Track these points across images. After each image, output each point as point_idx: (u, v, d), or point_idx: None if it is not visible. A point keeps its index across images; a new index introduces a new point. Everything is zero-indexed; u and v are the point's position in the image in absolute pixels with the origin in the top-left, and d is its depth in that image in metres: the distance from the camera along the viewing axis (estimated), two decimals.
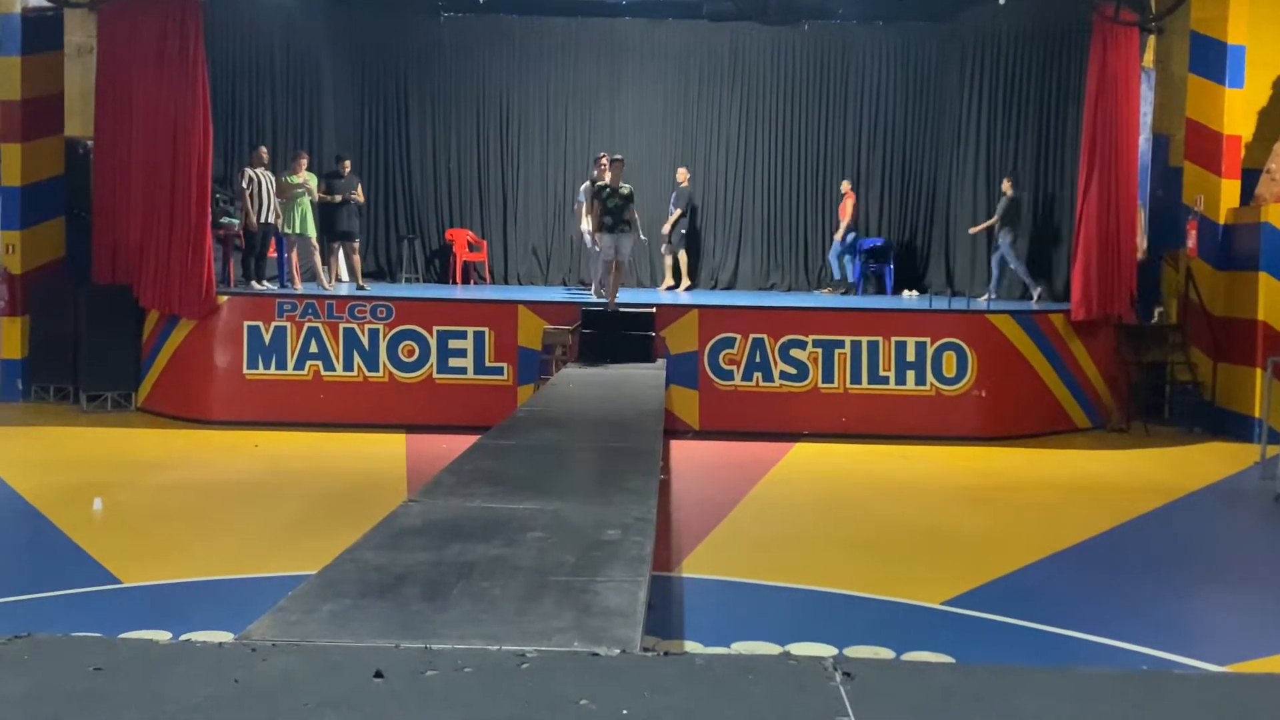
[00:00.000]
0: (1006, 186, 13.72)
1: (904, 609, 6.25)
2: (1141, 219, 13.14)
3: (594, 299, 12.93)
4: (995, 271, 14.13)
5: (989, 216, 14.27)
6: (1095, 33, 12.38)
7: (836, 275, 15.70)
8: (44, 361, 12.99)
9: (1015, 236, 13.70)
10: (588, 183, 13.74)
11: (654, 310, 12.03)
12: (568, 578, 3.35)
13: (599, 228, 12.17)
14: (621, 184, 12.03)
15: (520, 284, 16.58)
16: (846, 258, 15.64)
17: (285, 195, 12.81)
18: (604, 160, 12.85)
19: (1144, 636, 5.73)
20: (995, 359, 12.04)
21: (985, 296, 14.01)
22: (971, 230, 14.63)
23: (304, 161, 13.17)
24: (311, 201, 13.10)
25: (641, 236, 13.20)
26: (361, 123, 16.75)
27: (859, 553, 7.47)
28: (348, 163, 14.20)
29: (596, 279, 13.41)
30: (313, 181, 13.22)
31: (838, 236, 15.63)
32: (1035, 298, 13.54)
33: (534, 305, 12.22)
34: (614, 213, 11.93)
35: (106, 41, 12.61)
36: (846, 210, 15.44)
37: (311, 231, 13.12)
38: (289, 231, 12.97)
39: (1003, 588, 6.64)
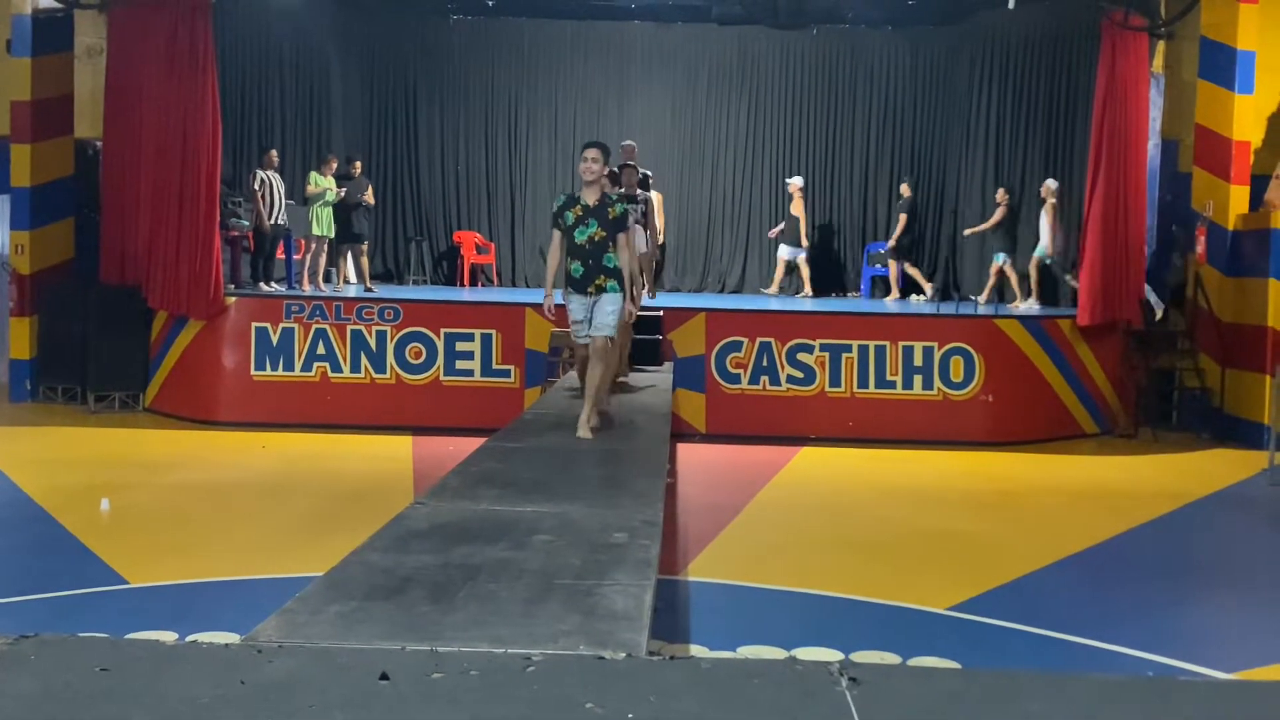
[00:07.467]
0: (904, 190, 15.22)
1: (910, 614, 6.24)
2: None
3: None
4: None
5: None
6: (1104, 37, 12.36)
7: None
8: (52, 362, 12.99)
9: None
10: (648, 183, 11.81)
11: (661, 314, 12.00)
12: (574, 581, 3.35)
13: (554, 274, 6.83)
14: (610, 199, 6.65)
15: (528, 286, 16.57)
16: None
17: (313, 198, 12.91)
18: (628, 148, 11.89)
19: (1150, 643, 5.71)
20: (1003, 364, 12.02)
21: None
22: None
23: (334, 165, 13.28)
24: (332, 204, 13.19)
25: (645, 295, 7.45)
26: (370, 124, 16.77)
27: (865, 557, 7.47)
28: (358, 164, 14.22)
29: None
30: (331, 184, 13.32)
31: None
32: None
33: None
34: (584, 254, 6.54)
35: (116, 42, 12.64)
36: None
37: (332, 233, 13.23)
38: (318, 233, 13.02)
39: (1009, 593, 6.62)
